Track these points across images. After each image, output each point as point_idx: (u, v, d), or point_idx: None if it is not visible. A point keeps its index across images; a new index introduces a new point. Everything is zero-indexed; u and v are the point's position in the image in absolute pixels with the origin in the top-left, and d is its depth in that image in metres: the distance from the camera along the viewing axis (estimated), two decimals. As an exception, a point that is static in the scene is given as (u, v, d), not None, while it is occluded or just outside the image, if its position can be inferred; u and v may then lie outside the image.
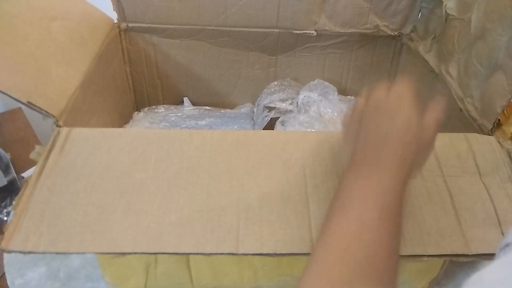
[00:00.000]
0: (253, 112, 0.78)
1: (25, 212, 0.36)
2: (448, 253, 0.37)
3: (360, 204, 0.29)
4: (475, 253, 0.37)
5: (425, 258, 0.36)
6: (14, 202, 0.36)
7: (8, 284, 0.58)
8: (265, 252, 0.35)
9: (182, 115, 0.76)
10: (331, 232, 0.29)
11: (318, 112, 0.69)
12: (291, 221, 0.37)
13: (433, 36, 0.63)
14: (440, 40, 0.61)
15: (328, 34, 0.71)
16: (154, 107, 0.78)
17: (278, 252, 0.35)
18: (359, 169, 0.32)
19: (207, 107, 0.80)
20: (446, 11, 0.58)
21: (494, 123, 0.45)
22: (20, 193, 0.36)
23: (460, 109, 0.52)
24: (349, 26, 0.70)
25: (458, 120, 0.53)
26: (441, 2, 0.59)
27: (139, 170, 0.39)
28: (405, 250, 0.36)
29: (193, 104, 0.80)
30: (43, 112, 0.42)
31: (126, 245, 0.35)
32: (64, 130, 0.41)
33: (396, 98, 0.34)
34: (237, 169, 0.40)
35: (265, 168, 0.40)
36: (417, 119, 0.33)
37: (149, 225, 0.36)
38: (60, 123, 0.43)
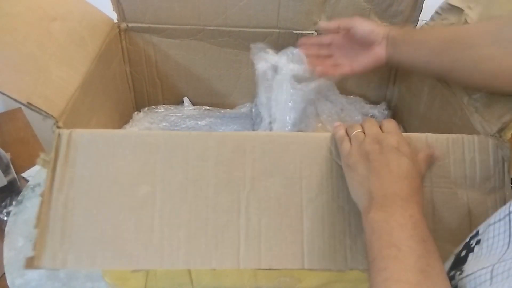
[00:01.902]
0: (253, 112, 0.78)
1: (46, 229, 0.39)
2: None
3: (407, 240, 0.32)
4: None
5: None
6: (35, 221, 0.38)
7: (8, 284, 0.58)
8: (262, 267, 0.39)
9: (182, 115, 0.76)
10: (392, 269, 0.31)
11: (317, 111, 0.69)
12: (286, 236, 0.40)
13: (433, 36, 0.63)
14: (440, 40, 0.61)
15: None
16: (154, 107, 0.78)
17: (273, 268, 0.39)
18: (385, 205, 0.35)
19: (207, 107, 0.80)
20: (446, 11, 0.58)
21: (494, 124, 0.45)
22: (38, 210, 0.39)
23: (462, 109, 0.52)
24: (349, 26, 0.70)
25: (459, 120, 0.53)
26: (442, 3, 0.59)
27: (144, 183, 0.40)
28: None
29: (193, 104, 0.80)
30: (43, 113, 0.42)
31: (143, 262, 0.39)
32: (65, 133, 0.41)
33: (394, 136, 0.39)
34: (237, 181, 0.41)
35: (264, 179, 0.41)
36: (416, 156, 0.39)
37: (161, 242, 0.39)
38: (60, 124, 0.43)
